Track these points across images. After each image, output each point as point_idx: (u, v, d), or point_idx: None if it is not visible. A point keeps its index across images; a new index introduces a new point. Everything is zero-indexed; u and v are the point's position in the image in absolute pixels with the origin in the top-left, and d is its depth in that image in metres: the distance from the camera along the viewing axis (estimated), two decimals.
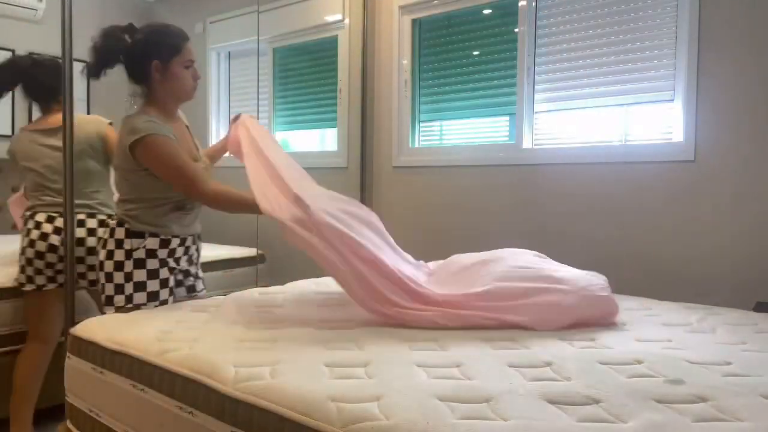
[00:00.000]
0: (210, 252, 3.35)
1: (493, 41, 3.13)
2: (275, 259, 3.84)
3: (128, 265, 2.00)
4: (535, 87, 2.97)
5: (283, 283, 2.55)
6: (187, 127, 2.21)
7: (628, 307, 2.08)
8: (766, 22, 2.30)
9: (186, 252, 2.17)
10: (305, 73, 3.89)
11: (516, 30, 3.01)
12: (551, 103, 2.93)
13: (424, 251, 3.36)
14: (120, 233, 2.01)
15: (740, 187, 2.37)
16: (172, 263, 2.10)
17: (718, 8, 2.40)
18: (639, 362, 1.43)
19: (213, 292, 3.07)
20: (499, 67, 3.11)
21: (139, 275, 2.00)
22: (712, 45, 2.42)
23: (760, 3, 2.31)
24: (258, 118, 4.04)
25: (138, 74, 2.04)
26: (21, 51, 3.82)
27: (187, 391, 1.38)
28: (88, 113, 4.14)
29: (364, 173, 3.57)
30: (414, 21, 3.41)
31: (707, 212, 2.45)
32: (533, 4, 2.93)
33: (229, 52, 4.28)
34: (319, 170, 3.78)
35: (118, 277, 2.00)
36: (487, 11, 3.16)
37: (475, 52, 3.20)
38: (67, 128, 2.08)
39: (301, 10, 3.76)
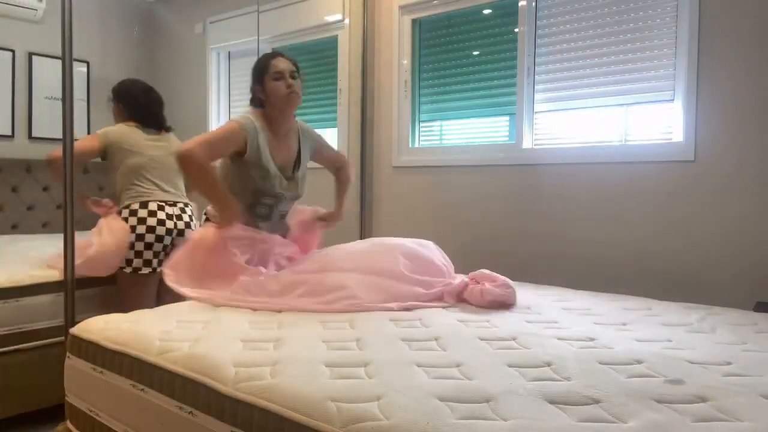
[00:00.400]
0: None
1: (493, 41, 3.13)
2: None
3: None
4: (535, 87, 2.97)
5: None
6: (303, 145, 2.49)
7: (628, 307, 2.08)
8: (766, 23, 2.30)
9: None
10: (305, 73, 3.88)
11: (516, 30, 3.01)
12: (551, 103, 2.93)
13: None
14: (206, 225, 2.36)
15: (740, 187, 2.37)
16: None
17: (718, 8, 2.40)
18: (639, 362, 1.43)
19: None
20: (499, 67, 3.11)
21: None
22: (712, 45, 2.42)
23: (760, 3, 2.31)
24: None
25: (254, 101, 2.36)
26: (21, 51, 3.83)
27: (187, 391, 1.38)
28: (88, 113, 4.15)
29: (364, 173, 3.57)
30: (414, 21, 3.41)
31: (707, 212, 2.45)
32: (533, 4, 2.93)
33: (229, 52, 4.29)
34: (319, 170, 3.78)
35: None
36: (487, 11, 3.16)
37: (475, 52, 3.20)
38: (67, 128, 2.08)
39: (301, 10, 3.76)
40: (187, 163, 2.06)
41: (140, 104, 2.81)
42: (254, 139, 2.21)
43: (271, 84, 2.26)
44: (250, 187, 2.26)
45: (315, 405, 1.15)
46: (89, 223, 3.22)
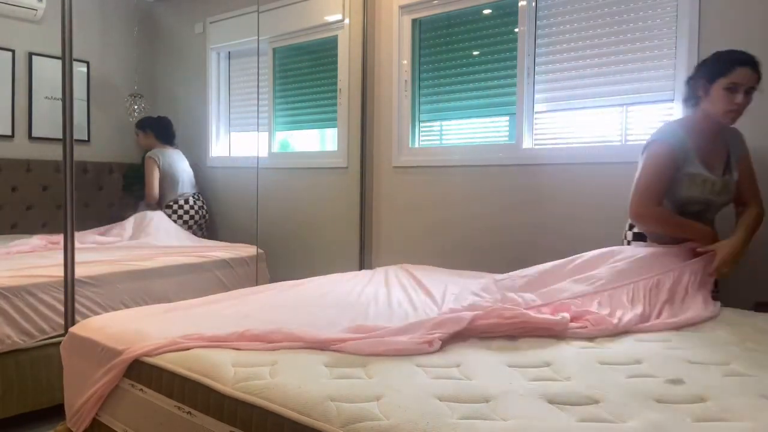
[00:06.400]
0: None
1: (493, 41, 3.13)
2: (275, 257, 3.84)
3: None
4: (535, 87, 2.96)
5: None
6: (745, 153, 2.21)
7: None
8: (765, 22, 2.30)
9: None
10: (305, 73, 3.88)
11: (516, 30, 3.01)
12: (551, 103, 2.92)
13: (423, 251, 3.36)
14: (629, 236, 2.27)
15: None
16: None
17: (717, 8, 2.40)
18: (639, 362, 1.43)
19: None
20: (499, 67, 3.10)
21: None
22: (712, 45, 2.41)
23: (760, 3, 2.31)
24: (258, 118, 4.05)
25: (688, 91, 2.18)
26: (21, 51, 3.83)
27: (185, 391, 1.38)
28: (88, 113, 4.15)
29: (364, 173, 3.56)
30: (414, 21, 3.41)
31: None
32: (533, 4, 2.93)
33: (229, 52, 4.28)
34: (319, 170, 3.78)
35: None
36: (487, 11, 3.15)
37: (475, 52, 3.20)
38: (67, 128, 2.07)
39: (301, 10, 3.76)
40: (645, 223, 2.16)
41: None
42: (686, 149, 2.08)
43: (719, 92, 2.04)
44: (677, 195, 2.12)
45: (314, 405, 1.14)
46: (88, 223, 3.24)
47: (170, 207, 4.00)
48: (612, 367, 1.39)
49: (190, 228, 4.05)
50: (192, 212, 4.06)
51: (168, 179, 4.02)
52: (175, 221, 3.98)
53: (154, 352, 1.51)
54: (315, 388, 1.21)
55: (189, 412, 1.36)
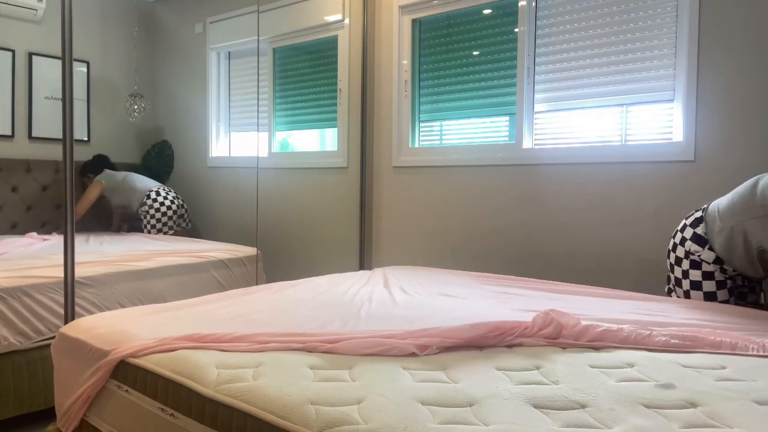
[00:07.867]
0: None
1: (493, 41, 3.10)
2: (274, 258, 3.83)
3: (685, 264, 2.10)
4: (535, 87, 2.94)
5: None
6: None
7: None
8: (766, 22, 2.26)
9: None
10: (305, 73, 3.87)
11: (516, 30, 2.99)
12: (551, 103, 2.90)
13: (423, 251, 3.34)
14: (688, 233, 2.11)
15: None
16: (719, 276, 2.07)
17: (718, 8, 2.36)
18: (631, 366, 1.40)
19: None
20: (499, 67, 3.08)
21: (695, 275, 2.08)
22: (712, 45, 2.38)
23: (761, 3, 2.27)
24: (258, 118, 4.05)
25: None
26: (21, 51, 3.84)
27: (168, 393, 1.36)
28: (88, 113, 4.15)
29: (364, 173, 3.55)
30: (414, 21, 3.39)
31: None
32: (533, 4, 2.91)
33: (229, 52, 4.27)
34: (319, 170, 3.77)
35: (677, 272, 2.13)
36: (487, 11, 3.13)
37: (475, 52, 3.17)
38: (67, 128, 2.06)
39: (301, 10, 3.75)
40: None
41: None
42: None
43: None
44: None
45: (293, 408, 1.12)
46: (87, 224, 3.22)
47: (144, 204, 3.99)
48: (603, 371, 1.36)
49: (170, 219, 4.02)
50: (167, 203, 4.01)
51: (123, 188, 4.02)
52: (153, 215, 3.98)
53: (139, 353, 1.50)
54: (296, 391, 1.19)
55: (172, 414, 1.34)
